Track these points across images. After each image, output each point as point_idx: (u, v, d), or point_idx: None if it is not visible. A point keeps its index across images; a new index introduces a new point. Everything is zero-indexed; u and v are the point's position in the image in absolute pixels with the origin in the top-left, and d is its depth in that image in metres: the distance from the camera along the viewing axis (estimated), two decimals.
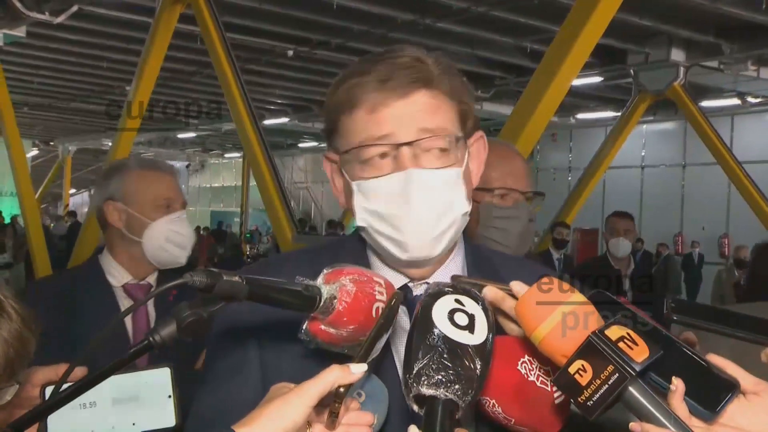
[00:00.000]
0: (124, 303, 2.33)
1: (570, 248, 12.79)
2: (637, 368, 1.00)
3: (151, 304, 2.35)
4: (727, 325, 1.21)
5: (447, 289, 1.12)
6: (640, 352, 1.01)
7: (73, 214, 22.41)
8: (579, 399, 1.01)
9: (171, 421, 1.26)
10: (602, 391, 1.00)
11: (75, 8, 10.63)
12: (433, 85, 1.23)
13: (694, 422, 1.06)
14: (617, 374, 0.99)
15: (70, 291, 2.31)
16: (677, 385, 1.06)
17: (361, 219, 1.26)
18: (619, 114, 13.05)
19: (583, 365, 1.01)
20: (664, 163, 19.64)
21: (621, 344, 1.01)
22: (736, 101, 16.10)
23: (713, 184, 16.79)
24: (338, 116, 1.27)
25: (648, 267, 10.35)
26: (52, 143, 29.38)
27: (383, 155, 1.23)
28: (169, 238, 2.35)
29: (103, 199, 2.41)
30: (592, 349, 1.02)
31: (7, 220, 20.25)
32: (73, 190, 32.63)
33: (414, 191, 1.20)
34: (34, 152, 29.67)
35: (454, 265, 1.33)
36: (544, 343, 1.06)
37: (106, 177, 2.44)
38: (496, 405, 1.13)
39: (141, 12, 10.61)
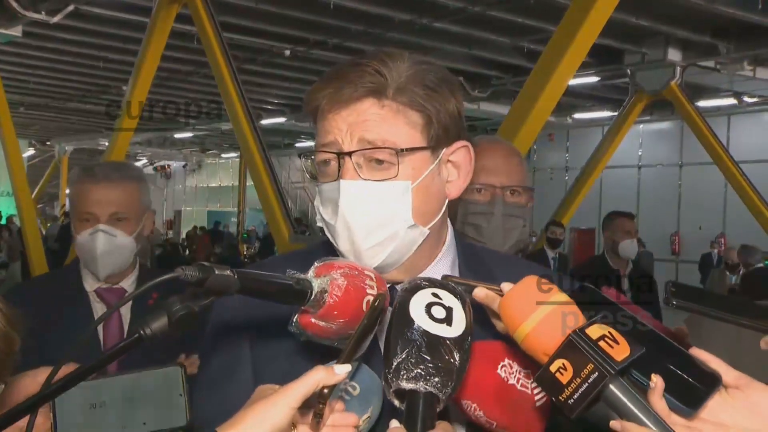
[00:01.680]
0: (97, 307, 2.33)
1: (567, 248, 12.78)
2: (617, 367, 1.00)
3: (126, 308, 2.34)
4: (728, 311, 1.19)
5: (424, 283, 1.12)
6: (620, 351, 1.01)
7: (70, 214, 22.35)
8: (560, 397, 1.01)
9: (182, 419, 1.25)
10: (582, 389, 1.00)
11: (71, 8, 10.64)
12: (383, 95, 1.21)
13: (674, 419, 1.06)
14: (597, 373, 0.99)
15: (46, 295, 2.32)
16: (656, 382, 1.05)
17: (318, 219, 1.29)
18: (615, 114, 13.07)
19: (563, 364, 1.01)
20: (661, 162, 19.64)
21: (601, 343, 1.01)
22: (732, 101, 16.10)
23: (710, 184, 16.79)
24: (313, 119, 1.29)
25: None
26: (48, 143, 29.31)
27: (330, 162, 1.24)
28: (86, 253, 2.34)
29: None
30: (572, 348, 1.02)
31: (3, 221, 20.22)
32: (69, 190, 32.55)
33: (342, 202, 1.22)
34: (31, 152, 29.61)
35: (443, 266, 1.32)
36: (526, 341, 1.06)
37: None
38: (478, 409, 1.13)
39: (138, 12, 10.61)
